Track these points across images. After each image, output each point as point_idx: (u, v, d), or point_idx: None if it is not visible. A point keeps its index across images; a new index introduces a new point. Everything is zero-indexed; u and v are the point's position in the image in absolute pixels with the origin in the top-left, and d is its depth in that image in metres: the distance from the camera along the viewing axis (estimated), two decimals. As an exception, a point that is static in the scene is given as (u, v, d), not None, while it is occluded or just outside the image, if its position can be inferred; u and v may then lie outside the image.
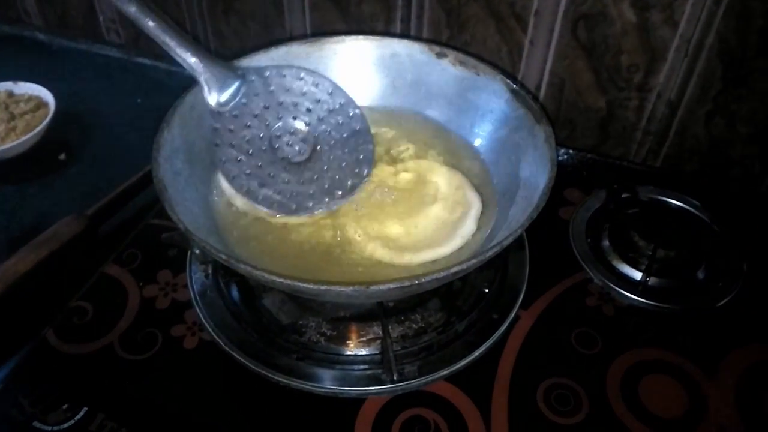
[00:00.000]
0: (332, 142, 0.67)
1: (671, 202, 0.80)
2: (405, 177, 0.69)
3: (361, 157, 0.66)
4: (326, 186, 0.64)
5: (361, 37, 0.76)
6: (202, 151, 0.67)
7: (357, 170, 0.66)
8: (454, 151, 0.73)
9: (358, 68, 0.77)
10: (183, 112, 0.65)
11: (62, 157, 0.95)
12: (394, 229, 0.64)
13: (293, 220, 0.65)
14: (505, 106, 0.69)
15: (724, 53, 0.75)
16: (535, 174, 0.61)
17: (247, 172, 0.64)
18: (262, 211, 0.64)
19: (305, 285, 0.50)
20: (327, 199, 0.64)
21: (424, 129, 0.75)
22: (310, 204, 0.64)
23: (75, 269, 0.75)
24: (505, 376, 0.62)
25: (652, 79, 0.80)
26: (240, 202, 0.66)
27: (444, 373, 0.61)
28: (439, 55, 0.74)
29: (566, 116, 0.89)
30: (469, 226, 0.64)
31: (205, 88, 0.63)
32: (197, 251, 0.68)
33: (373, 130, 0.71)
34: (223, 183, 0.67)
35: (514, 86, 0.69)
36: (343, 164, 0.66)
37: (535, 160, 0.63)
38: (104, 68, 1.14)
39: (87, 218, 0.77)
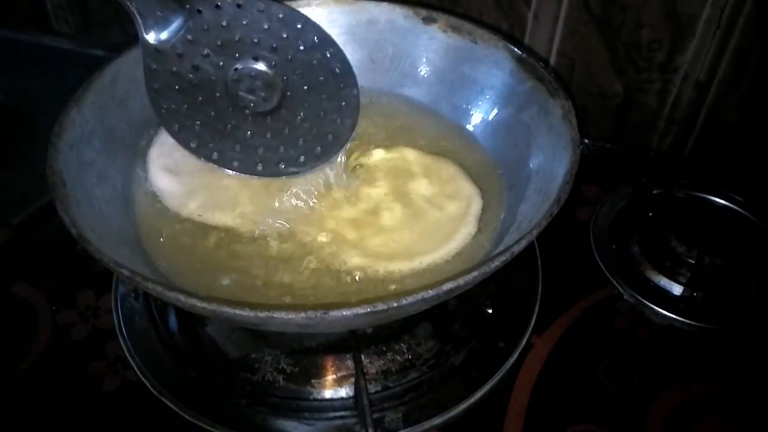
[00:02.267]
0: (305, 86, 0.59)
1: (713, 200, 0.73)
2: (383, 169, 0.62)
3: (343, 104, 0.59)
4: (300, 141, 0.57)
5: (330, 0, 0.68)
6: (126, 138, 0.58)
7: (339, 121, 0.59)
8: (446, 138, 0.66)
9: None
10: (101, 88, 0.57)
11: (-6, 158, 0.87)
12: (373, 233, 0.56)
13: (239, 224, 0.57)
14: (510, 79, 0.62)
15: (764, 23, 0.68)
16: (551, 159, 0.54)
17: (197, 123, 0.55)
18: (223, 170, 0.55)
19: (237, 311, 0.38)
20: (302, 158, 0.56)
21: (408, 111, 0.68)
22: (282, 165, 0.56)
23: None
24: (515, 424, 0.55)
25: (678, 58, 0.74)
26: (173, 202, 0.58)
27: (437, 421, 0.53)
28: (427, 21, 0.66)
29: (577, 103, 0.82)
30: (467, 227, 0.56)
31: (138, 20, 0.54)
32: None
33: None
34: (153, 177, 0.58)
35: (521, 53, 0.61)
36: (321, 113, 0.58)
37: (550, 143, 0.55)
38: (52, 61, 1.06)
39: (12, 228, 0.71)
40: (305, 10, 0.65)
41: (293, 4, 0.65)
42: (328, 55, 0.60)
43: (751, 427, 0.55)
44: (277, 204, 0.57)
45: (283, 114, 0.58)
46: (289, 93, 0.58)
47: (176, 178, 0.58)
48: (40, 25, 1.06)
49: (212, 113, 0.56)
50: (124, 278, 0.41)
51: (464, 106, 0.66)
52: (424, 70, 0.68)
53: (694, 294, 0.63)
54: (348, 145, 0.59)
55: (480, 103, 0.65)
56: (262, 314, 0.38)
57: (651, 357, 0.60)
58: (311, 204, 0.58)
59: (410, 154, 0.63)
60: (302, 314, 0.38)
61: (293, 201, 0.58)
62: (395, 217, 0.58)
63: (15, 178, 0.82)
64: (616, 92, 0.79)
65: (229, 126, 0.56)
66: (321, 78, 0.60)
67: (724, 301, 0.64)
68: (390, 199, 0.59)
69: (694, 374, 0.59)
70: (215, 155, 0.54)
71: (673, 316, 0.63)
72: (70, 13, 1.04)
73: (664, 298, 0.64)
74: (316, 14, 0.66)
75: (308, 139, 0.57)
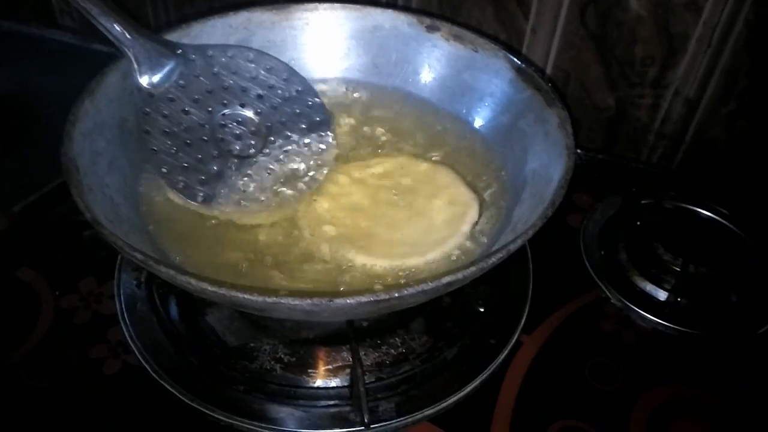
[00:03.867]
0: (288, 133, 0.61)
1: (699, 211, 0.73)
2: (381, 173, 0.62)
3: (322, 149, 0.61)
4: (282, 180, 0.59)
5: (337, 5, 0.68)
6: (135, 131, 0.58)
7: (317, 165, 0.61)
8: (445, 142, 0.66)
9: (332, 43, 0.69)
10: (113, 81, 0.57)
11: (-4, 147, 0.86)
12: (370, 232, 0.57)
13: (245, 219, 0.58)
14: (508, 88, 0.63)
15: (753, 45, 0.70)
16: (547, 165, 0.54)
17: (185, 165, 0.57)
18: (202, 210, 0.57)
19: (246, 296, 0.39)
20: (280, 195, 0.58)
21: (408, 115, 0.69)
22: (262, 199, 0.58)
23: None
24: (503, 417, 0.55)
25: (669, 74, 0.75)
26: (179, 197, 0.58)
27: (429, 412, 0.54)
28: (430, 29, 0.67)
29: (571, 115, 0.82)
30: (463, 230, 0.56)
31: (134, 65, 0.57)
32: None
33: (346, 116, 0.66)
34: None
35: (520, 63, 0.62)
36: (301, 159, 0.61)
37: (546, 150, 0.56)
38: (55, 54, 1.05)
39: (12, 216, 0.71)
40: (311, 15, 0.68)
41: (301, 8, 0.67)
42: (310, 105, 0.63)
43: (727, 428, 0.55)
44: (280, 200, 0.58)
45: (265, 157, 0.59)
46: (272, 138, 0.60)
47: (183, 171, 0.58)
48: (45, 19, 1.06)
49: (198, 156, 0.58)
50: (137, 262, 0.41)
51: (464, 111, 0.67)
52: (425, 76, 0.68)
53: (678, 300, 0.64)
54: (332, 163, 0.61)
55: (479, 109, 0.66)
56: (270, 299, 0.39)
57: (635, 358, 0.60)
58: (314, 203, 0.59)
59: (409, 160, 0.63)
60: (308, 301, 0.39)
61: (296, 198, 0.59)
62: (394, 219, 0.58)
63: (17, 167, 0.82)
64: (608, 105, 0.80)
65: (214, 168, 0.58)
66: (303, 126, 0.62)
67: (707, 308, 0.64)
68: (389, 202, 0.59)
69: (677, 376, 0.59)
70: (200, 197, 0.56)
71: (658, 320, 0.63)
72: (75, 9, 1.05)
73: (650, 303, 0.64)
74: (323, 18, 0.68)
75: (288, 179, 0.59)
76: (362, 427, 0.50)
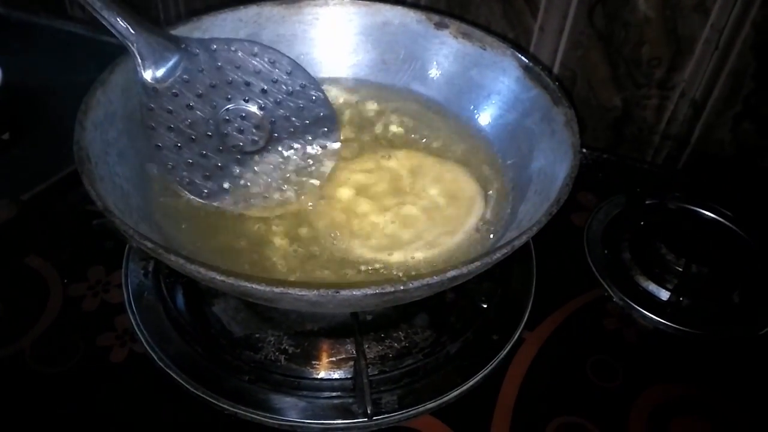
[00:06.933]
0: (291, 129, 0.61)
1: (702, 212, 0.73)
2: (389, 166, 0.62)
3: (326, 145, 0.61)
4: (287, 176, 0.59)
5: (347, 0, 0.68)
6: (142, 126, 0.57)
7: (321, 162, 0.61)
8: (452, 139, 0.66)
9: (341, 38, 0.69)
10: (124, 72, 0.57)
11: (5, 136, 0.86)
12: (376, 226, 0.57)
13: (252, 211, 0.58)
14: (516, 86, 0.63)
15: (760, 47, 0.70)
16: (552, 163, 0.54)
17: (189, 161, 0.57)
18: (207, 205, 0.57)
19: (254, 286, 0.39)
20: (286, 193, 0.59)
21: (416, 111, 0.69)
22: (266, 197, 0.58)
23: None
24: (505, 412, 0.55)
25: (676, 76, 0.75)
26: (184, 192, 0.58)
27: (430, 405, 0.54)
28: (439, 26, 0.67)
29: (577, 114, 0.82)
30: (469, 224, 0.57)
31: (138, 60, 0.56)
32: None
33: (353, 111, 0.66)
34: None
35: (527, 62, 0.62)
36: (305, 155, 0.61)
37: (551, 148, 0.56)
38: (65, 45, 1.06)
39: (21, 204, 0.71)
40: (321, 10, 0.67)
41: (311, 3, 0.67)
42: (313, 99, 0.62)
43: (726, 427, 0.56)
44: (284, 197, 0.58)
45: (269, 153, 0.60)
46: (276, 134, 0.60)
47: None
48: (55, 10, 1.06)
49: (203, 151, 0.58)
50: (147, 251, 0.41)
51: (471, 108, 0.66)
52: (433, 73, 0.68)
53: (680, 300, 0.64)
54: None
55: (486, 107, 0.66)
56: (277, 290, 0.39)
57: (636, 357, 0.61)
58: (320, 197, 0.59)
59: (415, 155, 0.63)
60: (315, 291, 0.40)
61: (301, 195, 0.59)
62: (401, 214, 0.58)
63: (26, 156, 0.82)
64: (614, 105, 0.79)
65: (219, 163, 0.58)
66: (306, 121, 0.62)
67: (708, 308, 0.64)
68: (395, 197, 0.59)
69: (677, 375, 0.59)
70: (205, 192, 0.56)
71: (659, 319, 0.63)
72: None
73: (652, 302, 0.65)
74: (333, 13, 0.68)
75: (292, 176, 0.59)
76: (365, 419, 0.50)
